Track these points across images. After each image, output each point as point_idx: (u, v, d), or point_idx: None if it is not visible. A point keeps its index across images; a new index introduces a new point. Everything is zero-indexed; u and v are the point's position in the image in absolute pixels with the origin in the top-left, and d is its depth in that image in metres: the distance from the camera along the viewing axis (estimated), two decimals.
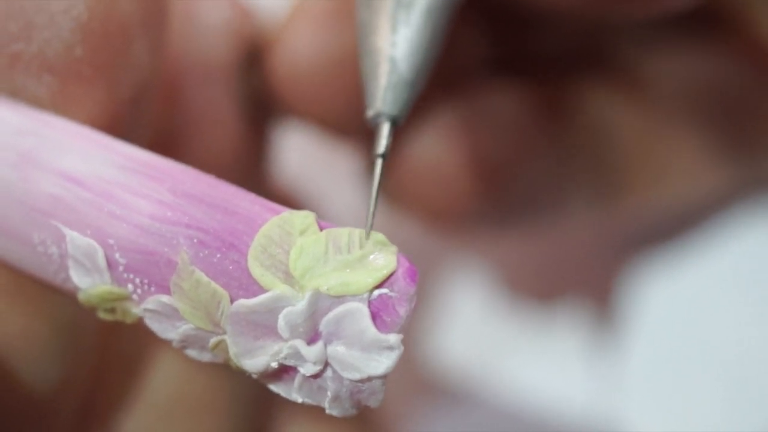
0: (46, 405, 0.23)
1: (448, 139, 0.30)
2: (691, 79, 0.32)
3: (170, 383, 0.25)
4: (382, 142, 0.21)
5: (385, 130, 0.21)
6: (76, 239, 0.20)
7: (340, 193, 0.36)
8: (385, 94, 0.21)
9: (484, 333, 0.38)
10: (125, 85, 0.23)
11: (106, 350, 0.25)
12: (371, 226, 0.20)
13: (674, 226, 0.36)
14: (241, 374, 0.21)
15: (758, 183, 0.35)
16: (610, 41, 0.32)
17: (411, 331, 0.38)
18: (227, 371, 0.22)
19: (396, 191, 0.31)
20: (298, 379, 0.20)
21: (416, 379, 0.38)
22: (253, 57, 0.29)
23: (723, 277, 0.35)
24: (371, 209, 0.20)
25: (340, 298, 0.19)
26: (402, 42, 0.22)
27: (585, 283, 0.38)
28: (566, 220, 0.33)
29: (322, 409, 0.20)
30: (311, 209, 0.21)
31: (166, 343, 0.21)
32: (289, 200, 0.31)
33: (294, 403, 0.21)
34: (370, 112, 0.22)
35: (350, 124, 0.29)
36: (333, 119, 0.29)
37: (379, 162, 0.21)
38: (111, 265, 0.20)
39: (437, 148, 0.30)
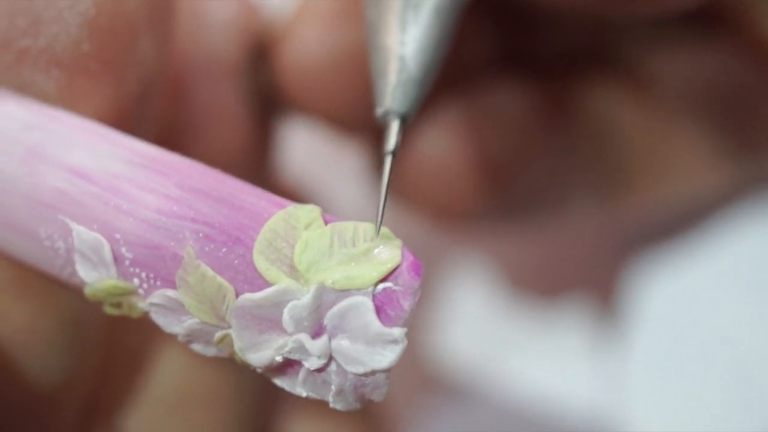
0: (52, 399, 0.23)
1: (453, 136, 0.30)
2: (694, 79, 0.32)
3: (176, 377, 0.25)
4: (392, 140, 0.21)
5: (394, 127, 0.21)
6: (82, 234, 0.20)
7: (345, 188, 0.36)
8: (394, 92, 0.22)
9: (487, 330, 0.38)
10: (132, 81, 0.23)
11: (112, 344, 0.25)
12: (381, 222, 0.20)
13: (677, 224, 0.36)
14: (246, 368, 0.21)
15: (760, 182, 0.35)
16: (614, 40, 0.32)
17: (414, 328, 0.38)
18: (233, 365, 0.23)
19: (401, 188, 0.31)
20: (302, 373, 0.20)
21: (419, 376, 0.38)
22: (259, 53, 0.29)
23: (725, 275, 0.35)
24: (381, 205, 0.20)
25: (344, 292, 0.20)
26: (411, 41, 0.22)
27: (588, 280, 0.38)
28: (569, 217, 0.33)
29: (327, 404, 0.21)
30: (317, 204, 0.21)
31: (172, 337, 0.21)
32: (294, 195, 0.31)
33: (299, 398, 0.21)
34: (379, 110, 0.22)
35: (357, 121, 0.30)
36: (339, 116, 0.29)
37: (388, 159, 0.21)
38: (117, 259, 0.20)
39: (442, 145, 0.30)
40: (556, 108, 0.31)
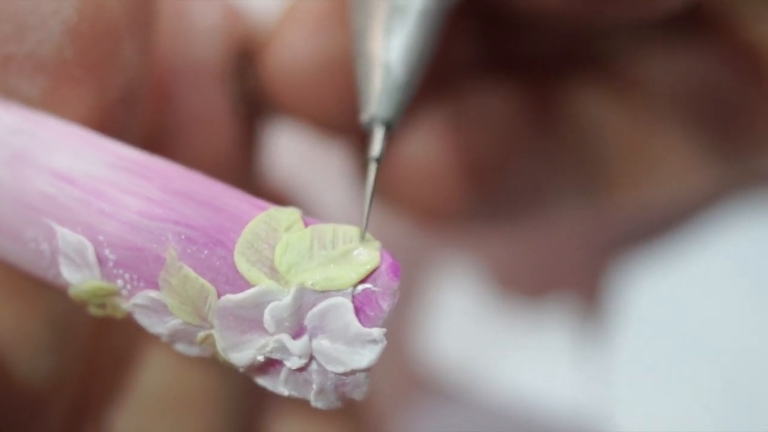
0: (40, 400, 0.23)
1: (439, 138, 0.30)
2: (679, 80, 0.32)
3: (163, 377, 0.26)
4: (377, 146, 0.21)
5: (379, 134, 0.22)
6: (66, 236, 0.21)
7: (331, 191, 0.37)
8: (379, 98, 0.22)
9: (473, 330, 0.39)
10: (115, 86, 0.23)
11: (99, 345, 0.25)
12: (366, 227, 0.20)
13: (661, 223, 0.36)
14: (231, 369, 0.21)
15: (744, 181, 0.35)
16: (600, 42, 0.32)
17: (401, 329, 0.38)
18: (218, 366, 0.23)
19: (387, 190, 0.31)
20: (284, 373, 0.20)
21: (406, 377, 0.38)
22: (245, 58, 0.29)
23: (710, 274, 0.36)
24: (366, 212, 0.21)
25: (324, 293, 0.20)
26: (396, 47, 0.22)
27: (573, 280, 0.38)
28: (555, 218, 0.33)
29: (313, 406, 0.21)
30: (302, 208, 0.21)
31: (157, 338, 0.21)
32: (280, 199, 0.31)
33: (285, 399, 0.21)
34: (364, 117, 0.22)
35: (342, 124, 0.30)
36: (325, 119, 0.30)
37: (373, 165, 0.21)
38: (101, 261, 0.21)
39: (428, 147, 0.30)
40: (542, 110, 0.32)
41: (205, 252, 0.20)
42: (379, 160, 0.21)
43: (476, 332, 0.39)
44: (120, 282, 0.21)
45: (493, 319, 0.39)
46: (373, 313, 0.20)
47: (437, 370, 0.38)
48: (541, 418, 0.37)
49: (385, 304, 0.20)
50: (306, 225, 0.20)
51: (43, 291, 0.23)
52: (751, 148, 0.33)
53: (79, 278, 0.21)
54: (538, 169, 0.32)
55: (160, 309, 0.21)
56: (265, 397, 0.27)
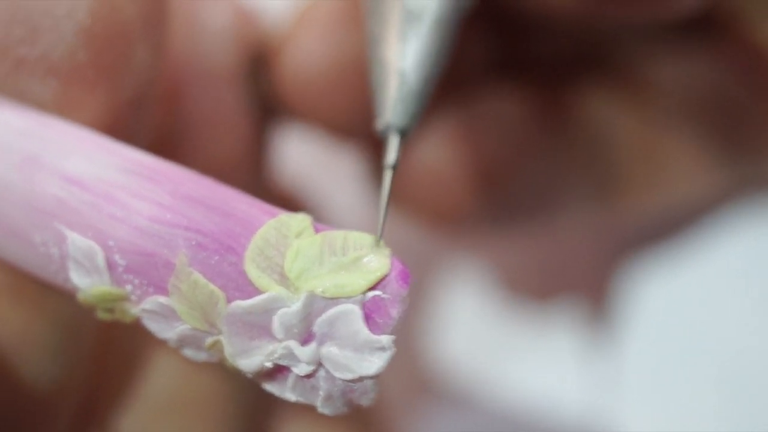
0: (47, 403, 0.23)
1: (449, 142, 0.30)
2: (690, 82, 0.32)
3: (170, 381, 0.26)
4: (392, 154, 0.21)
5: (394, 141, 0.22)
6: (76, 240, 0.21)
7: (343, 195, 0.37)
8: (395, 106, 0.22)
9: (482, 334, 0.39)
10: (127, 88, 0.23)
11: (107, 349, 0.25)
12: (381, 234, 0.20)
13: (671, 226, 0.36)
14: (237, 374, 0.21)
15: (754, 185, 0.35)
16: (611, 46, 0.32)
17: (410, 332, 0.38)
18: (225, 371, 0.23)
19: (397, 194, 0.31)
20: (291, 379, 0.20)
21: (415, 380, 0.38)
22: (257, 61, 0.29)
23: (719, 277, 0.36)
24: (381, 219, 0.21)
25: (334, 300, 0.20)
26: (411, 53, 0.22)
27: (582, 283, 0.38)
28: (565, 221, 0.33)
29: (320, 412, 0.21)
30: (314, 212, 0.21)
31: (164, 342, 0.21)
32: (292, 203, 0.31)
33: (292, 403, 0.21)
34: (380, 124, 0.22)
35: (355, 128, 0.30)
36: (337, 123, 0.30)
37: (388, 173, 0.21)
38: (110, 266, 0.21)
39: (438, 151, 0.30)
40: (552, 113, 0.32)
41: (216, 258, 0.20)
42: (394, 168, 0.21)
43: (485, 335, 0.39)
44: (129, 287, 0.21)
45: (502, 322, 0.39)
46: (382, 321, 0.20)
47: (446, 373, 0.38)
48: (549, 421, 0.37)
49: (395, 312, 0.20)
50: (316, 231, 0.20)
51: (51, 294, 0.23)
52: (761, 151, 0.33)
53: (88, 283, 0.21)
54: (548, 172, 0.32)
55: (168, 314, 0.21)
56: (273, 400, 0.27)
